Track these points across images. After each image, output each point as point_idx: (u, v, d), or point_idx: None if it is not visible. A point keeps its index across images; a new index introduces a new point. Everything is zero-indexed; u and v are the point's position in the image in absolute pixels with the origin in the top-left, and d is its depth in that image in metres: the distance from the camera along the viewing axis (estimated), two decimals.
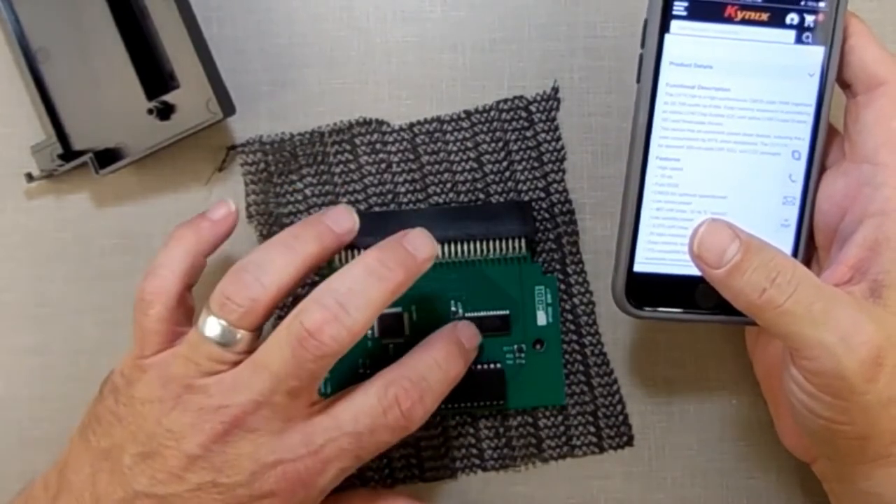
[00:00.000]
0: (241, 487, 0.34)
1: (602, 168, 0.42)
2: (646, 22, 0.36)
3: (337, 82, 0.42)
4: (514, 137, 0.42)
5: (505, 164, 0.42)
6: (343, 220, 0.37)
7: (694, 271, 0.35)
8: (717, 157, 0.37)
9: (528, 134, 0.42)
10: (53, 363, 0.41)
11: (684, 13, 0.36)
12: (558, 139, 0.42)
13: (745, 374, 0.42)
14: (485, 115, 0.42)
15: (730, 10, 0.36)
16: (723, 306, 0.35)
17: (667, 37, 0.36)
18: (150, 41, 0.40)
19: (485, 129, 0.42)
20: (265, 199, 0.41)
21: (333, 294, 0.34)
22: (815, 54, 0.36)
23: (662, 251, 0.37)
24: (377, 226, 0.40)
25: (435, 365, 0.37)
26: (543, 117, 0.42)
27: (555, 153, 0.42)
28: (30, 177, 0.41)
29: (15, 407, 0.42)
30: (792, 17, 0.36)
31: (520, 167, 0.42)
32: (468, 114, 0.42)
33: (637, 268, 0.37)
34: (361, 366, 0.41)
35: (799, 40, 0.36)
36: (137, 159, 0.40)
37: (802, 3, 0.36)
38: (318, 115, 0.42)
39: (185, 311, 0.37)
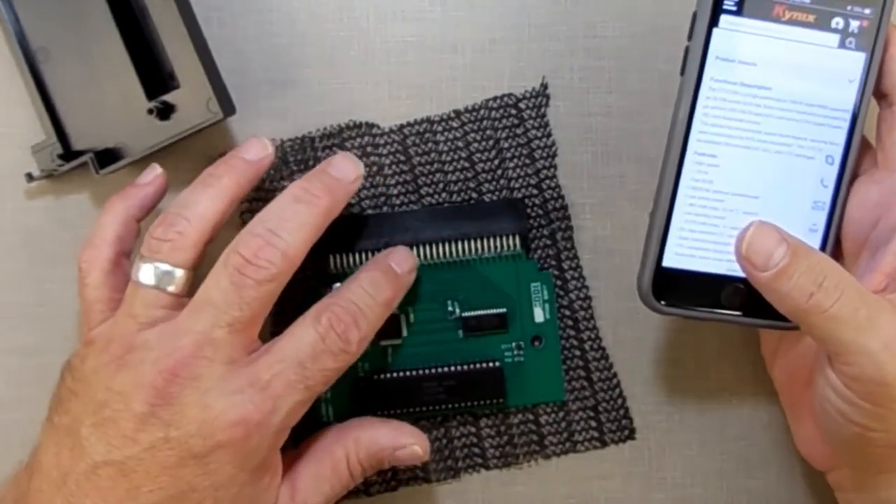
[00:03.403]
0: (193, 438, 0.33)
1: (602, 168, 0.42)
2: (695, 14, 0.36)
3: (337, 82, 0.42)
4: (504, 135, 0.42)
5: (496, 162, 0.42)
6: (254, 149, 0.38)
7: (723, 270, 0.35)
8: (753, 155, 0.37)
9: (519, 131, 0.42)
10: (53, 363, 0.41)
11: (734, 8, 0.36)
12: (549, 135, 0.42)
13: (745, 375, 0.42)
14: (474, 113, 0.42)
15: (778, 10, 0.36)
16: (748, 307, 0.35)
17: (714, 31, 0.36)
18: (151, 41, 0.40)
19: (475, 127, 0.42)
20: (258, 206, 0.41)
21: (264, 223, 0.35)
22: (856, 60, 0.36)
23: (692, 248, 0.37)
24: (371, 228, 0.40)
25: (362, 291, 0.37)
26: (533, 114, 0.42)
27: (546, 149, 0.42)
28: (30, 177, 0.41)
29: (15, 407, 0.42)
30: (837, 21, 0.36)
31: (511, 164, 0.42)
32: (458, 113, 0.42)
33: (666, 263, 0.37)
34: (361, 369, 0.41)
35: (842, 45, 0.36)
36: (137, 159, 0.40)
37: (848, 8, 0.36)
38: (319, 115, 0.42)
39: (124, 279, 0.37)
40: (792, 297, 0.33)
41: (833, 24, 0.36)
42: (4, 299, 0.42)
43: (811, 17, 0.36)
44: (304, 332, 0.35)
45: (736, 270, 0.36)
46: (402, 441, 0.38)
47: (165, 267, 0.35)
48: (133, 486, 0.33)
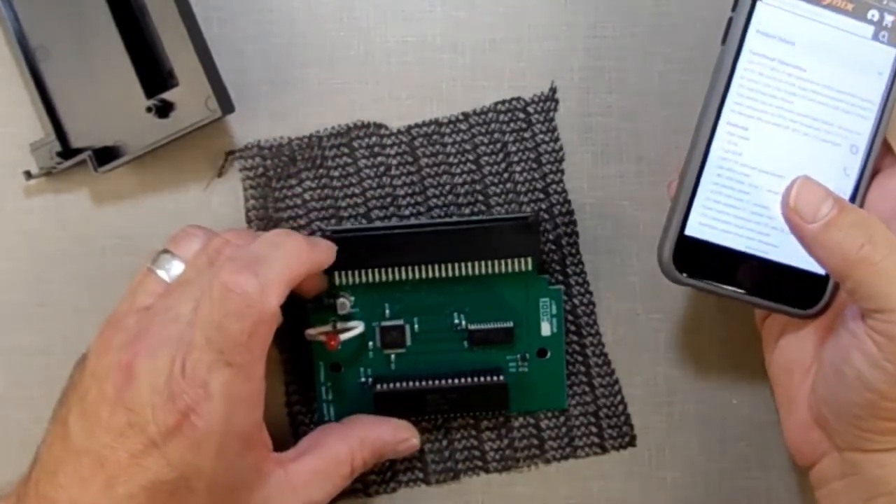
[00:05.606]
0: (149, 425, 0.33)
1: (602, 168, 0.42)
2: None
3: (337, 82, 0.42)
4: (512, 139, 0.42)
5: (503, 165, 0.42)
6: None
7: (742, 247, 0.35)
8: (782, 134, 0.37)
9: (527, 135, 0.42)
10: (53, 363, 0.41)
11: None
12: (556, 140, 0.42)
13: (745, 374, 0.42)
14: (483, 116, 0.42)
15: None
16: (763, 287, 0.35)
17: (758, 4, 0.36)
18: (150, 39, 0.40)
19: (483, 130, 0.42)
20: (264, 203, 0.41)
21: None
22: (887, 54, 0.37)
23: (716, 219, 0.37)
24: (379, 246, 0.40)
25: (262, 242, 0.36)
26: (541, 118, 0.42)
27: (553, 154, 0.42)
28: (28, 174, 0.40)
29: (15, 407, 0.42)
30: (873, 14, 0.37)
31: (518, 168, 0.42)
32: (466, 116, 0.42)
33: (689, 231, 0.37)
34: (363, 374, 0.41)
35: (875, 37, 0.37)
36: (136, 157, 0.40)
37: (885, 2, 0.36)
38: (319, 116, 0.41)
39: None
40: (842, 248, 0.33)
41: (869, 16, 0.37)
42: (4, 299, 0.42)
43: (849, 6, 0.37)
44: (202, 307, 0.33)
45: (755, 248, 0.36)
46: (403, 436, 0.40)
47: (170, 256, 0.36)
48: (109, 476, 0.33)
